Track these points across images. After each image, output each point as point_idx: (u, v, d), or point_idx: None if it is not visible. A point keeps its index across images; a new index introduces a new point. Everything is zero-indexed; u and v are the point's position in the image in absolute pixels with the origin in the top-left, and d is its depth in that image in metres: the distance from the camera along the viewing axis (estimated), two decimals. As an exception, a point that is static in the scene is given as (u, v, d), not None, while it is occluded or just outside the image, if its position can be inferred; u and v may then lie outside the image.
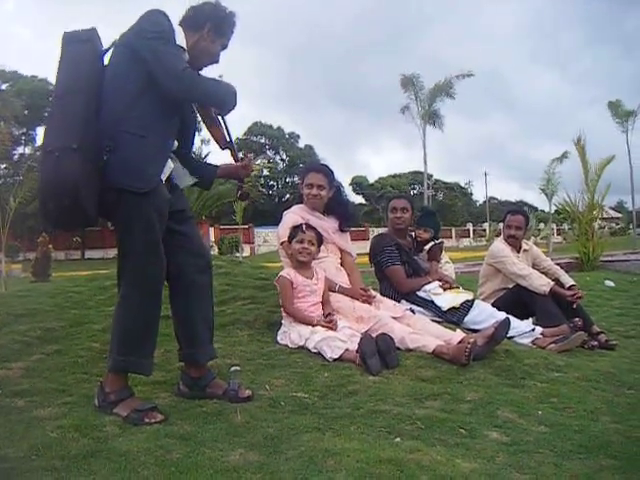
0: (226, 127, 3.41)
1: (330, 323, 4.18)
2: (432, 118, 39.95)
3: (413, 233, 5.73)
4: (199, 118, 3.45)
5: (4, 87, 43.95)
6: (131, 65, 3.00)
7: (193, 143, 3.59)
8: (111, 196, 2.95)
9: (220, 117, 3.41)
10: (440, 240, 5.81)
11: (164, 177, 3.13)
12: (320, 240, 4.55)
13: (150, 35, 2.98)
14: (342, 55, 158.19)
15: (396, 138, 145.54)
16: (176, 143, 3.27)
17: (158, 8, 3.09)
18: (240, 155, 3.57)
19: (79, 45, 3.01)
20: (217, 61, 3.40)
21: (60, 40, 3.03)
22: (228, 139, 3.44)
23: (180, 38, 3.15)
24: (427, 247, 5.68)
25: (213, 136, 3.44)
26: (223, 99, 3.20)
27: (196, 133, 3.51)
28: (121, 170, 2.93)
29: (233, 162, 3.58)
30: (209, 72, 3.33)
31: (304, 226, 4.51)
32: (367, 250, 5.66)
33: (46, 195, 2.88)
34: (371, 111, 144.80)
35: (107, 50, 3.10)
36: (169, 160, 3.16)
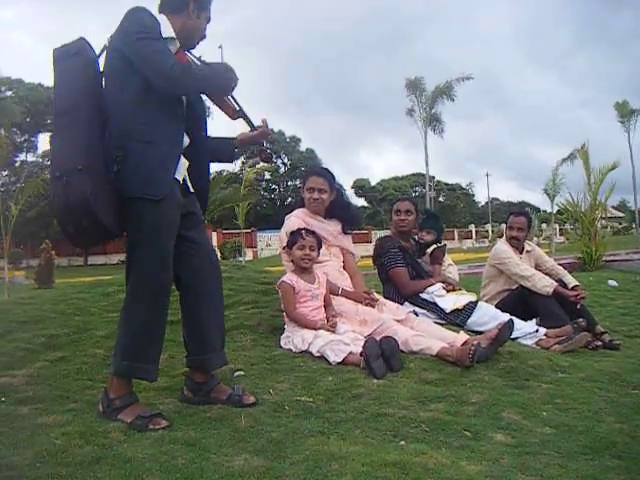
0: (234, 98, 3.38)
1: (329, 324, 4.20)
2: (433, 122, 40.16)
3: (416, 236, 5.73)
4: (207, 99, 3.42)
5: (8, 94, 44.06)
6: (125, 71, 2.97)
7: (206, 121, 3.51)
8: (126, 205, 2.97)
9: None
10: (443, 243, 5.82)
11: (180, 177, 3.14)
12: (320, 244, 4.56)
13: (134, 37, 2.94)
14: (340, 58, 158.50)
15: (397, 140, 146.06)
16: (187, 139, 3.21)
17: (138, 5, 3.07)
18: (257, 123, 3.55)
19: (69, 60, 3.00)
20: (205, 36, 3.37)
21: (51, 58, 3.03)
22: (238, 108, 3.40)
23: (166, 26, 3.13)
24: (430, 250, 5.68)
25: (222, 110, 3.41)
26: (221, 82, 3.15)
27: (207, 116, 3.49)
28: (133, 179, 2.92)
29: (250, 128, 3.55)
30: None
31: (304, 232, 4.50)
32: (370, 253, 5.66)
33: (63, 220, 2.90)
34: (371, 114, 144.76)
35: (99, 56, 3.08)
36: (182, 159, 3.15)
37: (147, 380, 3.14)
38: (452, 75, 38.99)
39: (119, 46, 3.01)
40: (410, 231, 5.62)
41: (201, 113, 3.40)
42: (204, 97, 3.46)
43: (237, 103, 3.39)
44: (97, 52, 3.09)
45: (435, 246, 5.70)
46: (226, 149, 3.64)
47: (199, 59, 3.31)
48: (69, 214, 2.86)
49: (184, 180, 3.25)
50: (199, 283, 3.24)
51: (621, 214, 64.58)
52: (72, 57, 3.01)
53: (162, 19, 3.15)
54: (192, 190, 3.33)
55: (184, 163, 3.19)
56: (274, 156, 67.79)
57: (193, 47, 3.36)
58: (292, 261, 4.54)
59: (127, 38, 2.98)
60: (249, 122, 3.52)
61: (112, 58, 3.05)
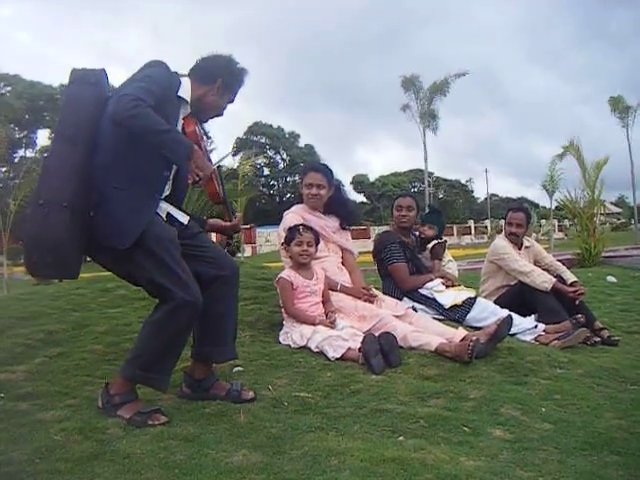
0: (221, 184, 3.38)
1: (329, 320, 4.22)
2: (431, 118, 40.40)
3: (417, 232, 5.73)
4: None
5: (7, 89, 44.11)
6: None
7: (184, 195, 3.53)
8: (109, 252, 2.98)
9: (216, 173, 3.36)
10: (444, 239, 5.82)
11: (163, 213, 3.12)
12: (318, 240, 4.56)
13: (138, 81, 2.96)
14: (339, 54, 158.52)
15: (396, 136, 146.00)
16: (167, 192, 3.18)
17: (161, 60, 3.11)
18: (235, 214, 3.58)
19: (86, 88, 3.00)
20: (222, 114, 3.39)
21: (68, 75, 3.02)
22: (222, 195, 3.40)
23: (185, 88, 3.15)
24: (430, 245, 5.68)
25: (207, 191, 3.40)
26: (172, 147, 2.92)
27: (188, 187, 3.45)
28: (104, 228, 2.92)
29: (226, 217, 3.61)
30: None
31: (301, 228, 4.51)
32: (368, 249, 5.66)
33: (31, 248, 2.88)
34: (370, 110, 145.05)
35: (110, 97, 3.05)
36: (161, 203, 3.12)
37: (159, 390, 3.12)
38: (450, 71, 39.28)
39: (122, 89, 3.00)
40: (411, 227, 5.62)
41: (184, 187, 3.37)
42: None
43: (223, 190, 3.41)
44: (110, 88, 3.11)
45: (436, 242, 5.69)
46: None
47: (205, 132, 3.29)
48: (39, 245, 2.84)
49: (170, 215, 3.21)
50: (219, 285, 3.22)
51: (619, 210, 64.61)
52: (89, 86, 3.01)
53: (185, 81, 3.18)
54: (185, 222, 3.28)
55: (164, 208, 3.16)
56: (273, 152, 67.86)
57: (205, 120, 3.37)
58: (291, 257, 4.54)
59: (134, 82, 2.98)
60: (228, 211, 3.57)
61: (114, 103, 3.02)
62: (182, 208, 3.40)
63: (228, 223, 3.61)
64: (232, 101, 3.38)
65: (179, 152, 2.94)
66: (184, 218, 3.29)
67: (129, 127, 2.86)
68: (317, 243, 4.55)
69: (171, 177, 3.16)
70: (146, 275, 2.97)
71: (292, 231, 4.51)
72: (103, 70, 3.09)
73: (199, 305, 2.96)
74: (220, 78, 3.24)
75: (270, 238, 43.26)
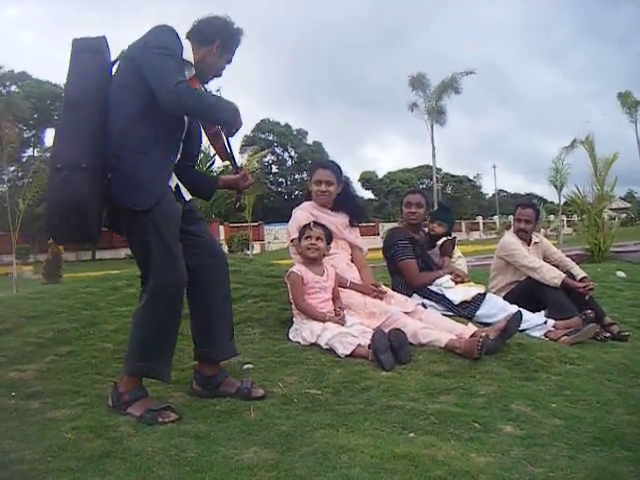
0: (227, 140, 3.42)
1: (338, 317, 4.20)
2: (439, 115, 40.52)
3: (427, 228, 5.72)
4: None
5: (13, 88, 44.29)
6: (135, 80, 3.00)
7: (198, 156, 3.63)
8: (118, 214, 3.02)
9: (222, 130, 3.42)
10: (453, 236, 5.80)
11: (172, 184, 3.18)
12: (329, 236, 4.56)
13: (152, 50, 2.99)
14: (345, 51, 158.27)
15: (403, 133, 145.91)
16: (179, 156, 3.26)
17: (167, 25, 3.12)
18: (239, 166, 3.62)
19: (88, 55, 3.04)
20: (220, 75, 3.43)
21: (70, 46, 3.04)
22: (228, 151, 3.44)
23: (188, 52, 3.18)
24: (439, 242, 5.66)
25: (214, 147, 3.46)
26: (220, 116, 3.11)
27: (201, 146, 3.51)
28: (122, 189, 2.96)
29: (232, 171, 3.63)
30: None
31: (312, 223, 4.52)
32: (377, 245, 5.64)
33: (53, 212, 2.91)
34: (377, 107, 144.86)
35: (115, 61, 3.12)
36: (172, 174, 3.19)
37: (162, 380, 3.15)
38: (457, 68, 39.47)
39: (135, 55, 3.05)
40: (420, 224, 5.60)
41: (197, 140, 3.46)
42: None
43: (229, 146, 3.45)
44: (114, 55, 3.14)
45: (445, 238, 5.68)
46: (208, 186, 3.67)
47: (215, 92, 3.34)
48: (60, 208, 2.87)
49: (178, 188, 3.28)
50: (206, 276, 3.26)
51: (627, 205, 64.40)
52: (92, 54, 3.05)
53: (186, 44, 3.20)
54: (187, 199, 3.36)
55: (174, 179, 3.24)
56: (281, 150, 67.85)
57: (206, 82, 3.40)
58: (300, 253, 4.54)
59: (145, 49, 3.03)
60: (235, 166, 3.61)
61: (125, 66, 3.09)
62: (195, 167, 3.55)
63: (237, 176, 3.62)
64: (230, 61, 3.42)
65: (230, 122, 3.15)
66: (188, 195, 3.37)
67: (186, 112, 3.07)
68: (330, 240, 4.56)
69: (182, 138, 3.23)
70: (144, 246, 3.01)
71: (304, 227, 4.53)
72: (104, 37, 3.13)
73: (182, 285, 3.04)
74: (218, 39, 3.28)
75: (278, 235, 43.24)
